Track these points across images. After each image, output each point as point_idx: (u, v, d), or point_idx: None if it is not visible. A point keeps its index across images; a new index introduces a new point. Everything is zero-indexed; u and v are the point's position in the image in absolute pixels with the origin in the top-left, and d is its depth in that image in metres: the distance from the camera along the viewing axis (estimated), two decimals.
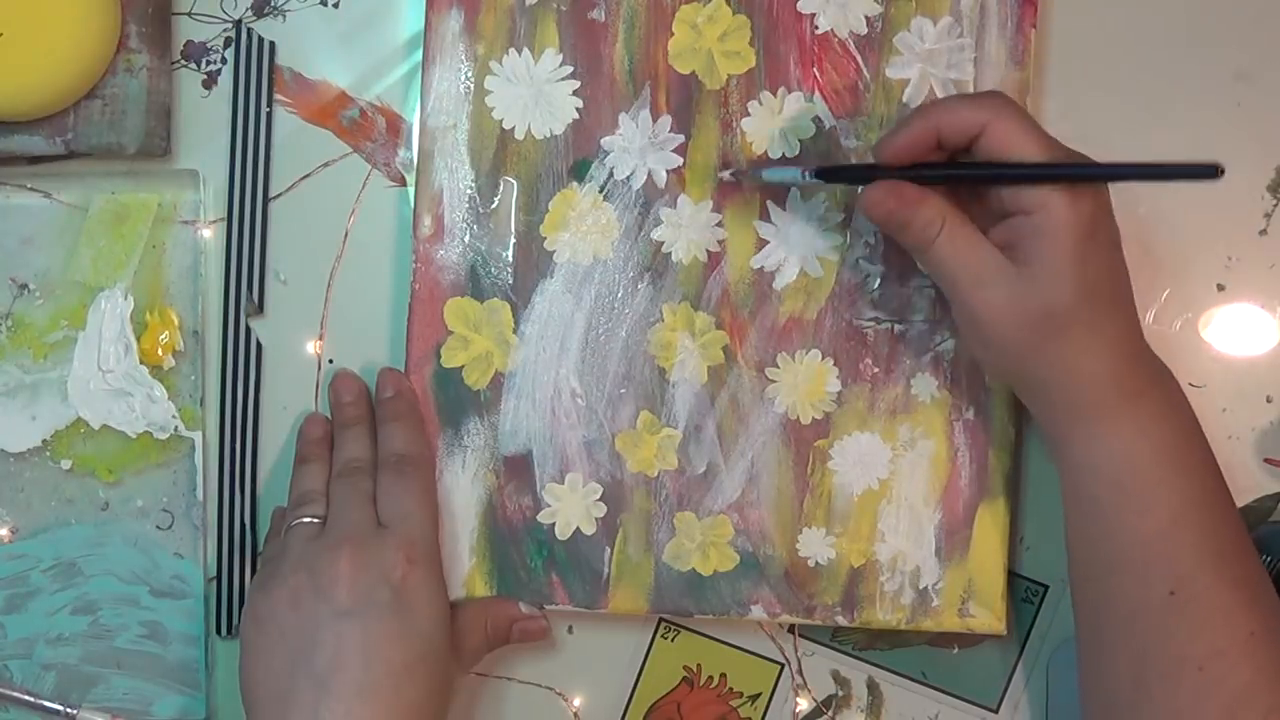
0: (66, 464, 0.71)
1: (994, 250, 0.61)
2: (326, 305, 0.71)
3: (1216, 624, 0.61)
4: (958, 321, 0.64)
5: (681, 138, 0.69)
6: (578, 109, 0.69)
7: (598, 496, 0.70)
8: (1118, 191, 0.71)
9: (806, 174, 0.66)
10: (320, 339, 0.72)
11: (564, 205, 0.69)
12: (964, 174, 0.63)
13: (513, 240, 0.69)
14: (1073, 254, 0.60)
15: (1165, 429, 0.63)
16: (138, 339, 0.71)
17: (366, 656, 0.61)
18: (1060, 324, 0.61)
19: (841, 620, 0.70)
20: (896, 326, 0.70)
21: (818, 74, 0.69)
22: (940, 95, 0.69)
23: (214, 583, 0.71)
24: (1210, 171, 0.57)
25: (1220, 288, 0.71)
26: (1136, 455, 0.62)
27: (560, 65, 0.69)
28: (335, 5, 0.71)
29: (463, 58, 0.69)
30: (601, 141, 0.69)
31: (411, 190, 0.70)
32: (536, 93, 0.69)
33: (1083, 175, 0.60)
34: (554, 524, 0.69)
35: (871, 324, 0.70)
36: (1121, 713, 0.63)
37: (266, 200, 0.71)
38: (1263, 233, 0.71)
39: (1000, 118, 0.60)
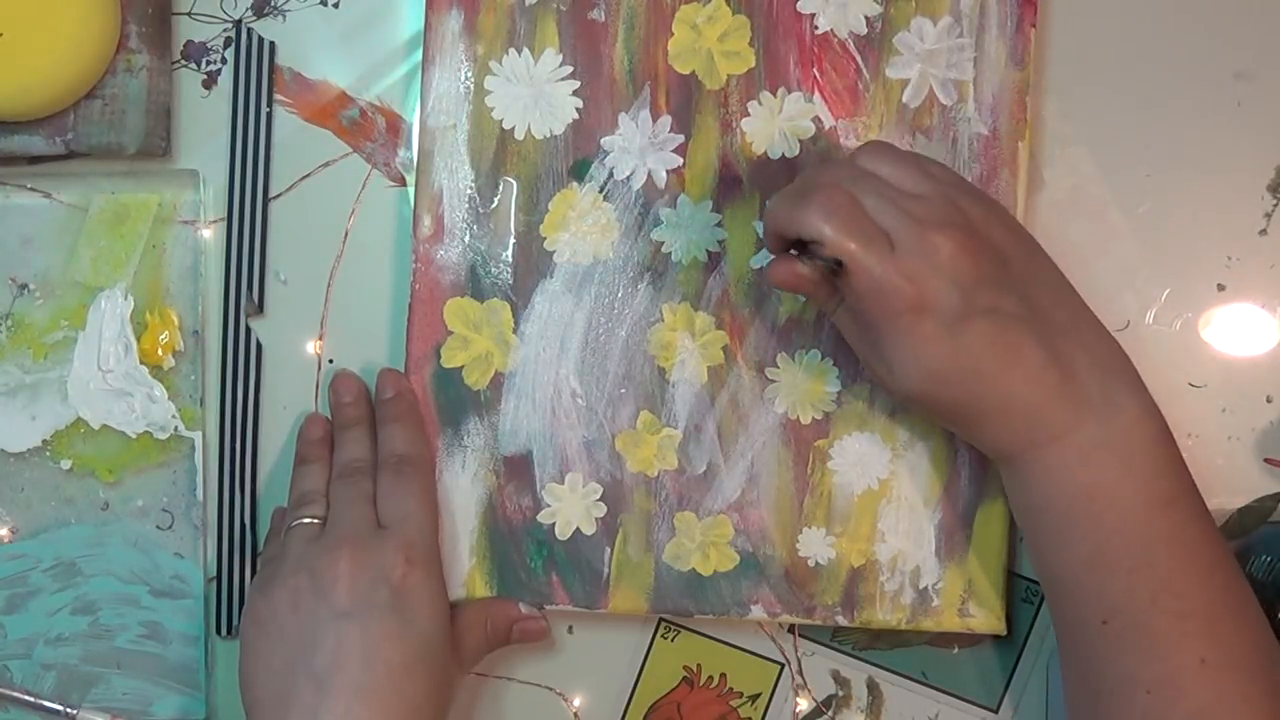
0: (66, 464, 0.71)
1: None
2: (326, 305, 0.71)
3: (1160, 652, 0.60)
4: (875, 360, 0.63)
5: (681, 138, 0.69)
6: (577, 109, 0.69)
7: (598, 496, 0.70)
8: (1118, 191, 0.71)
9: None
10: (320, 339, 0.72)
11: (564, 205, 0.69)
12: None
13: (513, 240, 0.69)
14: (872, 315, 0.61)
15: (1086, 469, 0.61)
16: (138, 339, 0.71)
17: (366, 657, 0.61)
18: (959, 384, 0.61)
19: (841, 620, 0.70)
20: None
21: (817, 74, 0.69)
22: (940, 95, 0.69)
23: (214, 583, 0.71)
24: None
25: (1220, 288, 0.71)
26: (1058, 495, 0.61)
27: (560, 65, 0.69)
28: (335, 5, 0.71)
29: (462, 58, 0.69)
30: (601, 141, 0.69)
31: (411, 190, 0.70)
32: (536, 93, 0.69)
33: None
34: (554, 524, 0.69)
35: None
36: None
37: (266, 200, 0.71)
38: (1263, 233, 0.71)
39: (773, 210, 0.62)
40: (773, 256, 0.64)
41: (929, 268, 0.59)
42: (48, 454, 0.71)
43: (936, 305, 0.59)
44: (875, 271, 0.59)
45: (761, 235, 0.64)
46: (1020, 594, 0.71)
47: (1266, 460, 0.71)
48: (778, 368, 0.70)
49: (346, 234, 0.71)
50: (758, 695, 0.72)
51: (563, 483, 0.69)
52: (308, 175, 0.71)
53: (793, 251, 0.63)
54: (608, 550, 0.70)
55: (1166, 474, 0.62)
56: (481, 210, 0.69)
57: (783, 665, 0.72)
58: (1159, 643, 0.60)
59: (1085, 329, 0.63)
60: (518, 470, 0.69)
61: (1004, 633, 0.70)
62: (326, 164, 0.71)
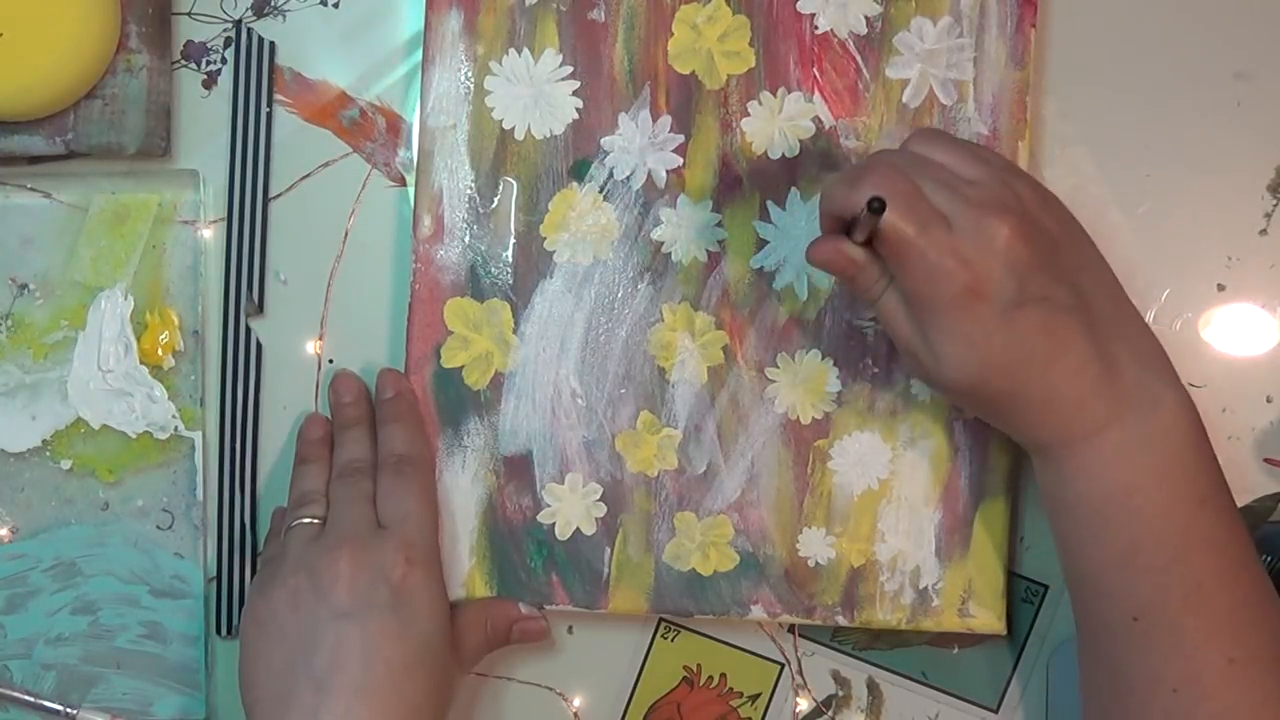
0: (66, 464, 0.71)
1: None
2: (326, 305, 0.71)
3: (1188, 651, 0.60)
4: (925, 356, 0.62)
5: (681, 138, 0.69)
6: (577, 109, 0.69)
7: (598, 496, 0.70)
8: (1118, 192, 0.71)
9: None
10: (320, 339, 0.72)
11: (564, 205, 0.69)
12: None
13: (512, 240, 0.69)
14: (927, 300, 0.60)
15: (1123, 467, 0.61)
16: (138, 339, 0.71)
17: (366, 657, 0.61)
18: (989, 389, 0.61)
19: (841, 620, 0.70)
20: None
21: (817, 74, 0.69)
22: (940, 95, 0.69)
23: (214, 583, 0.71)
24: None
25: (1220, 288, 0.71)
26: (1092, 491, 0.61)
27: (560, 65, 0.69)
28: (335, 5, 0.72)
29: (462, 58, 0.69)
30: (601, 141, 0.69)
31: (411, 190, 0.70)
32: (536, 93, 0.69)
33: None
34: (554, 524, 0.69)
35: (871, 324, 0.70)
36: None
37: (266, 200, 0.71)
38: (1263, 233, 0.71)
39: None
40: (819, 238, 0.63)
41: (986, 252, 0.59)
42: (48, 454, 0.71)
43: (992, 290, 0.59)
44: (931, 254, 0.58)
45: (817, 217, 0.63)
46: (1020, 594, 0.71)
47: (1266, 460, 0.71)
48: (778, 368, 0.70)
49: (346, 234, 0.71)
50: (758, 695, 0.72)
51: (563, 483, 0.69)
52: (308, 175, 0.71)
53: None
54: (608, 550, 0.70)
55: (1201, 471, 0.61)
56: (481, 210, 0.69)
57: (783, 665, 0.72)
58: (1187, 641, 0.60)
59: (1128, 322, 0.62)
60: (518, 470, 0.69)
61: (1004, 633, 0.70)
62: (326, 164, 0.71)
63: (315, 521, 0.66)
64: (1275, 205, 0.71)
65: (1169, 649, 0.60)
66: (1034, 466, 0.64)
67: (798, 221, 0.69)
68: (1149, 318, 0.71)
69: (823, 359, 0.70)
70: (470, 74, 0.69)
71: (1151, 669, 0.60)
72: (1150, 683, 0.60)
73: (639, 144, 0.69)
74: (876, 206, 0.57)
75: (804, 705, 0.72)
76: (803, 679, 0.72)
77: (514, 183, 0.69)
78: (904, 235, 0.58)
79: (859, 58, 0.69)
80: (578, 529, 0.69)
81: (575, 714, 0.72)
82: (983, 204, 0.59)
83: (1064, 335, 0.60)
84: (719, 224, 0.69)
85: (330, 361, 0.72)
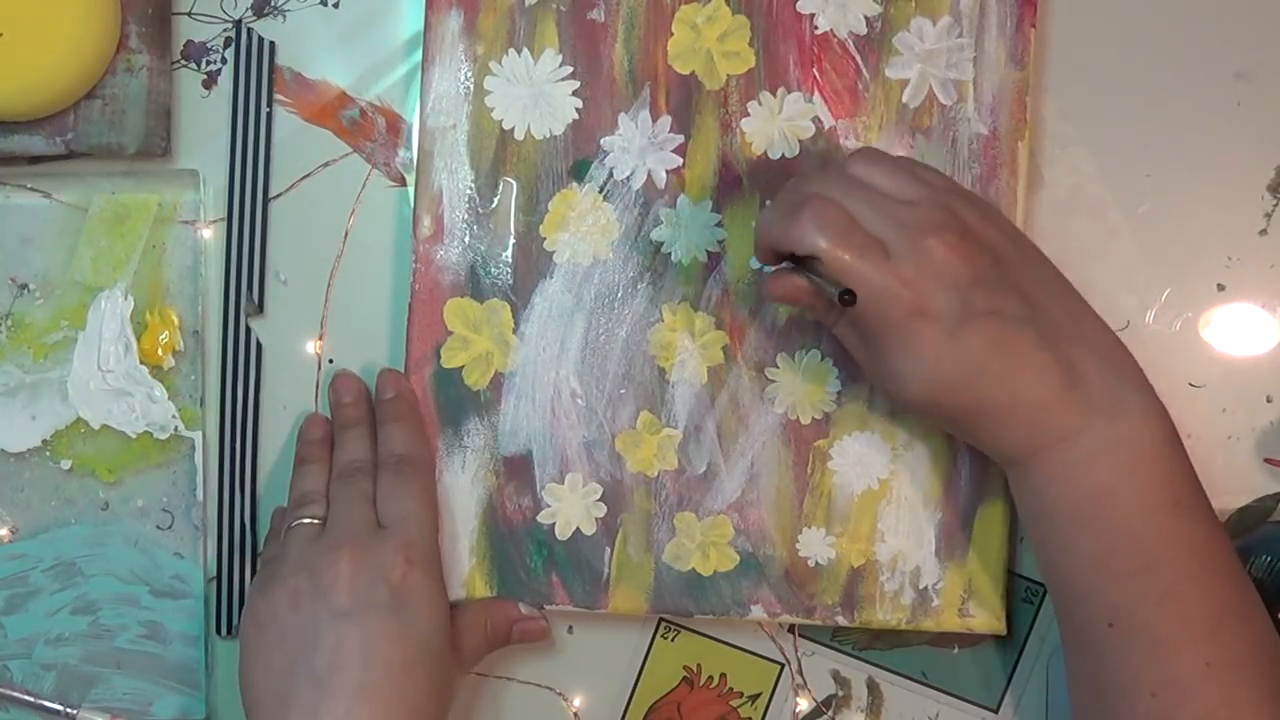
0: (66, 464, 0.71)
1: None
2: (326, 305, 0.71)
3: (1164, 655, 0.60)
4: (884, 374, 0.63)
5: (681, 138, 0.69)
6: (577, 109, 0.69)
7: (598, 497, 0.70)
8: (1118, 192, 0.71)
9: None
10: (320, 339, 0.72)
11: (564, 205, 0.69)
12: None
13: (512, 240, 0.69)
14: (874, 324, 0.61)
15: (1092, 472, 0.60)
16: (138, 339, 0.71)
17: (366, 657, 0.61)
18: (954, 399, 0.61)
19: (841, 620, 0.70)
20: None
21: (817, 74, 0.69)
22: (940, 95, 0.69)
23: (214, 583, 0.71)
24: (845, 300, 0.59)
25: (1220, 288, 0.71)
26: (1061, 498, 0.61)
27: (560, 65, 0.69)
28: (335, 5, 0.72)
29: (462, 58, 0.69)
30: (601, 142, 0.69)
31: (411, 190, 0.70)
32: (536, 93, 0.69)
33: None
34: (554, 524, 0.69)
35: None
36: None
37: (266, 200, 0.71)
38: (1263, 233, 0.71)
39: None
40: (769, 269, 0.64)
41: (925, 273, 0.59)
42: (48, 454, 0.71)
43: (935, 310, 0.59)
44: (872, 280, 0.59)
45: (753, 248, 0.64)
46: (1020, 594, 0.71)
47: (1266, 460, 0.71)
48: (778, 368, 0.70)
49: (346, 234, 0.71)
50: (758, 695, 0.72)
51: (563, 483, 0.69)
52: (308, 175, 0.71)
53: (786, 264, 0.63)
54: (608, 550, 0.70)
55: (1173, 475, 0.61)
56: (481, 210, 0.69)
57: (783, 665, 0.72)
58: (1164, 646, 0.60)
59: (1088, 328, 0.62)
60: (518, 470, 0.69)
61: (1004, 633, 0.70)
62: (326, 164, 0.71)
63: (315, 522, 0.66)
64: (1275, 205, 0.71)
65: (1145, 653, 0.60)
66: (1009, 480, 0.64)
67: None
68: (1149, 318, 0.71)
69: (823, 359, 0.70)
70: (470, 74, 0.69)
71: (1130, 673, 0.60)
72: (1130, 686, 0.60)
73: (639, 144, 0.69)
74: (849, 300, 0.59)
75: (804, 705, 0.72)
76: (803, 679, 0.72)
77: (514, 183, 0.69)
78: (842, 264, 0.59)
79: (859, 58, 0.69)
80: (578, 529, 0.70)
81: (575, 714, 0.72)
82: (918, 225, 0.60)
83: (1016, 346, 0.60)
84: (719, 224, 0.69)
85: (330, 361, 0.72)
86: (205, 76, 0.71)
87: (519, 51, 0.69)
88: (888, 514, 0.70)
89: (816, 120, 0.69)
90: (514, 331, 0.69)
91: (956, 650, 0.72)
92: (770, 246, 0.62)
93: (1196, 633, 0.60)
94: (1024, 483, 0.63)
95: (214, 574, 0.71)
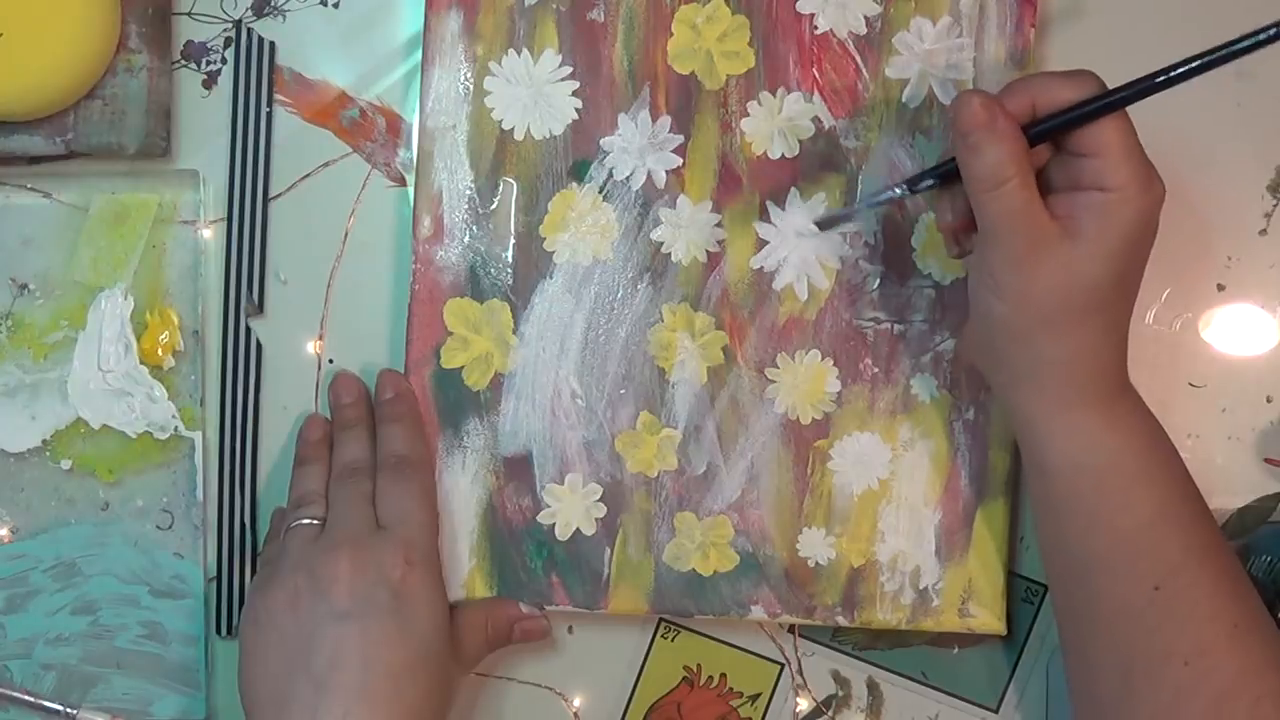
0: (66, 464, 0.71)
1: (1057, 220, 0.60)
2: (326, 305, 0.72)
3: (1201, 619, 0.61)
4: (978, 282, 0.62)
5: (681, 138, 0.69)
6: (577, 109, 0.69)
7: (598, 497, 0.70)
8: None
9: (900, 189, 0.65)
10: (320, 339, 0.72)
11: (563, 206, 0.69)
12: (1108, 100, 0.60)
13: (512, 241, 0.69)
14: (1133, 240, 0.59)
15: (1148, 423, 0.63)
16: (138, 339, 0.71)
17: (365, 658, 0.61)
18: (1094, 306, 0.60)
19: (841, 620, 0.70)
20: (896, 326, 0.70)
21: (817, 74, 0.69)
22: (940, 95, 0.69)
23: (214, 583, 0.71)
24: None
25: (1220, 288, 0.71)
26: (1124, 449, 0.62)
27: (559, 66, 0.69)
28: (335, 5, 0.72)
29: (462, 58, 0.69)
30: (601, 142, 0.69)
31: (411, 190, 0.70)
32: (536, 93, 0.69)
33: (1181, 75, 0.60)
34: (554, 524, 0.69)
35: (871, 324, 0.70)
36: (1108, 712, 0.63)
37: (266, 200, 0.71)
38: (1263, 233, 0.71)
39: (1101, 88, 0.60)
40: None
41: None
42: (48, 454, 0.71)
43: (1154, 220, 0.60)
44: (1141, 180, 0.59)
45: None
46: (1020, 594, 0.71)
47: (1266, 460, 0.71)
48: (778, 368, 0.70)
49: (346, 234, 0.71)
50: (758, 695, 0.72)
51: (563, 483, 0.70)
52: (308, 175, 0.71)
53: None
54: (608, 551, 0.70)
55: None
56: (481, 211, 0.69)
57: (783, 665, 0.72)
58: (1201, 608, 0.61)
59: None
60: (518, 471, 0.69)
61: (1004, 633, 0.70)
62: (326, 164, 0.71)
63: (315, 522, 0.66)
64: (1275, 205, 0.71)
65: (1184, 618, 0.61)
66: (1053, 435, 0.63)
67: (797, 221, 0.69)
68: (1149, 318, 0.71)
69: (823, 359, 0.70)
70: (470, 74, 0.69)
71: (1164, 643, 0.61)
72: (1162, 657, 0.61)
73: (639, 144, 0.69)
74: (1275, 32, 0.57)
75: (804, 705, 0.72)
76: (803, 679, 0.72)
77: (514, 183, 0.69)
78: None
79: (858, 58, 0.69)
80: (578, 529, 0.70)
81: (575, 714, 0.72)
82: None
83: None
84: (719, 224, 0.69)
85: (330, 361, 0.72)
86: (205, 76, 0.71)
87: (519, 52, 0.69)
88: (888, 514, 0.70)
89: (816, 120, 0.69)
90: (514, 332, 0.69)
91: (956, 650, 0.72)
92: (1033, 103, 0.60)
93: (1227, 592, 0.62)
94: (1080, 435, 0.62)
95: (214, 574, 0.71)
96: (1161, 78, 0.59)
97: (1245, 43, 0.58)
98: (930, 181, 0.64)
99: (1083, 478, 0.63)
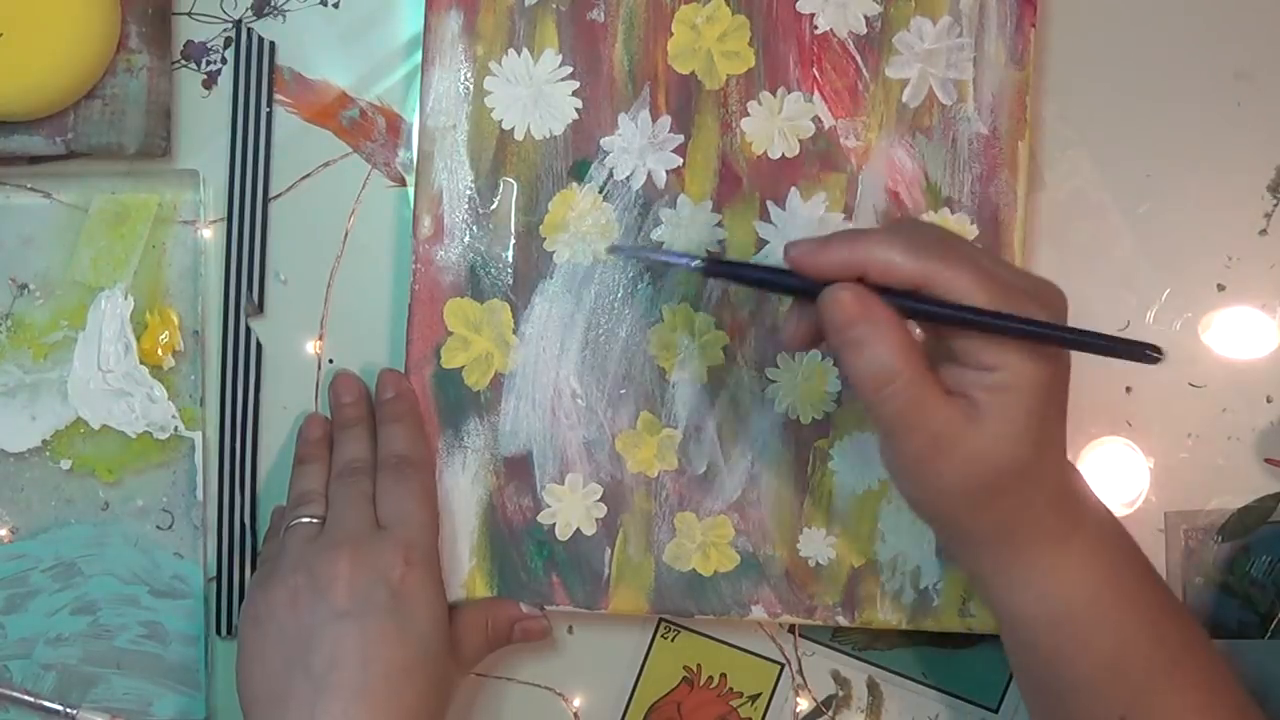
0: (66, 464, 0.71)
1: (954, 404, 0.57)
2: (326, 305, 0.71)
3: None
4: (886, 465, 0.60)
5: (681, 138, 0.69)
6: (577, 109, 0.69)
7: (598, 497, 0.70)
8: (1118, 192, 0.71)
9: (692, 264, 0.62)
10: (320, 339, 0.72)
11: (564, 206, 0.69)
12: (938, 312, 0.57)
13: (512, 241, 0.69)
14: (1037, 414, 0.57)
15: (1098, 566, 0.60)
16: (138, 339, 0.71)
17: (364, 657, 0.61)
18: (1015, 475, 0.58)
19: (842, 620, 0.70)
20: None
21: (817, 74, 0.69)
22: (940, 95, 0.69)
23: (214, 583, 0.71)
24: (1151, 357, 0.56)
25: (1220, 288, 0.71)
26: (1074, 598, 0.60)
27: (559, 66, 0.69)
28: (335, 5, 0.72)
29: (462, 58, 0.69)
30: (601, 142, 0.69)
31: (411, 190, 0.70)
32: (536, 93, 0.69)
33: (1043, 336, 0.56)
34: (554, 524, 0.69)
35: None
36: None
37: (266, 200, 0.71)
38: (1263, 233, 0.71)
39: (947, 267, 0.56)
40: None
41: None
42: (48, 454, 0.71)
43: (1059, 385, 0.59)
44: (1029, 352, 0.57)
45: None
46: None
47: (1267, 460, 0.71)
48: (778, 368, 0.70)
49: (346, 234, 0.71)
50: (758, 695, 0.72)
51: (563, 483, 0.69)
52: (308, 175, 0.71)
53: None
54: (608, 551, 0.70)
55: (1156, 581, 0.63)
56: (481, 211, 0.69)
57: (783, 665, 0.72)
58: None
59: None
60: (518, 471, 0.69)
61: None
62: (326, 164, 0.71)
63: (314, 521, 0.66)
64: (1275, 205, 0.71)
65: None
66: (1001, 589, 0.61)
67: (797, 221, 0.69)
68: (1149, 318, 0.71)
69: (823, 359, 0.70)
70: (470, 74, 0.69)
71: None
72: None
73: (639, 144, 0.69)
74: (1156, 357, 0.56)
75: (804, 705, 0.72)
76: (803, 679, 0.72)
77: (514, 183, 0.69)
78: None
79: (858, 57, 0.69)
80: (578, 529, 0.70)
81: (575, 714, 0.72)
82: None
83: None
84: (719, 224, 0.69)
85: (330, 361, 0.72)
86: (205, 76, 0.71)
87: (519, 52, 0.69)
88: (888, 514, 0.70)
89: (816, 120, 0.69)
90: (514, 331, 0.69)
91: (956, 650, 0.72)
92: (864, 268, 0.57)
93: (1202, 706, 0.60)
94: (1024, 590, 0.61)
95: (214, 574, 0.71)
96: (1026, 327, 0.56)
97: (1120, 349, 0.57)
98: (732, 285, 0.62)
99: (1036, 626, 0.61)
